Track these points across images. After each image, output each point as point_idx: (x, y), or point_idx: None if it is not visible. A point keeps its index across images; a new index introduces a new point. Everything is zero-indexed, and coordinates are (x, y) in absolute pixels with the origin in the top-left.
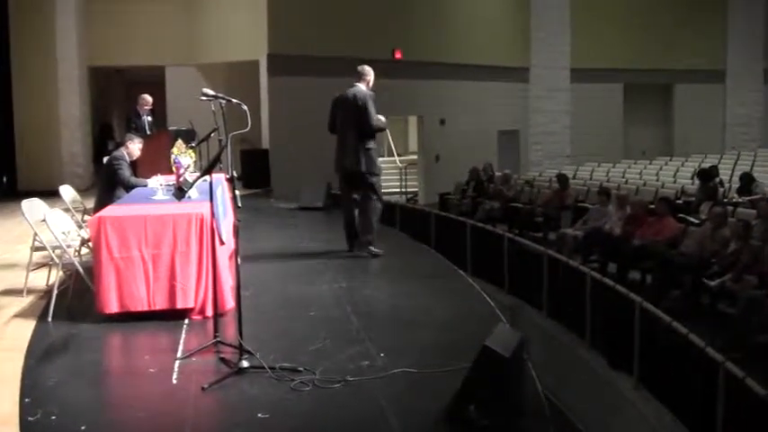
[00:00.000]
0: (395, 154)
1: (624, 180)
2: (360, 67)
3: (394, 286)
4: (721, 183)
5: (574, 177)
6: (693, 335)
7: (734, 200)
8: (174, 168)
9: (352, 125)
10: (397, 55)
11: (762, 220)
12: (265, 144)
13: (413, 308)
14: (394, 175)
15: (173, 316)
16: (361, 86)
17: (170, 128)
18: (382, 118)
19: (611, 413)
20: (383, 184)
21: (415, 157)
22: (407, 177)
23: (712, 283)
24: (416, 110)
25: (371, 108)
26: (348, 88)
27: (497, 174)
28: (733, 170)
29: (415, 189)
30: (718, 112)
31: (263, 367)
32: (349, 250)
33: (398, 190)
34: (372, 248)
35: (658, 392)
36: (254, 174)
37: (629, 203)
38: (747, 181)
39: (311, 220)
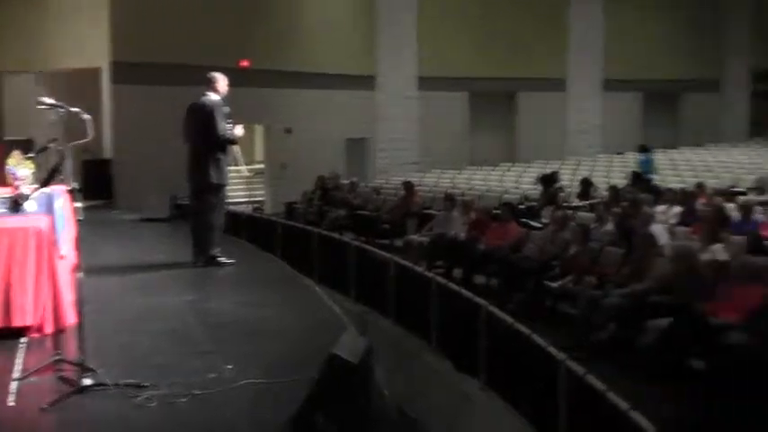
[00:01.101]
0: (241, 163)
1: (469, 186)
2: (209, 74)
3: (240, 297)
4: (561, 188)
5: (420, 184)
6: (536, 335)
7: (574, 204)
8: (10, 180)
9: (201, 135)
10: (244, 63)
11: (600, 223)
12: (107, 154)
13: (260, 318)
14: (240, 184)
15: (9, 334)
16: (212, 95)
17: (5, 138)
18: (238, 131)
19: (459, 415)
20: (229, 193)
21: (261, 165)
22: (254, 187)
23: (554, 285)
24: (262, 118)
25: (218, 117)
26: (201, 96)
27: (344, 182)
28: (573, 176)
29: (262, 198)
30: (560, 120)
31: (106, 384)
32: (195, 262)
33: (245, 200)
34: (221, 259)
35: (504, 393)
36: (95, 185)
37: (474, 209)
38: (586, 186)
39: (155, 232)
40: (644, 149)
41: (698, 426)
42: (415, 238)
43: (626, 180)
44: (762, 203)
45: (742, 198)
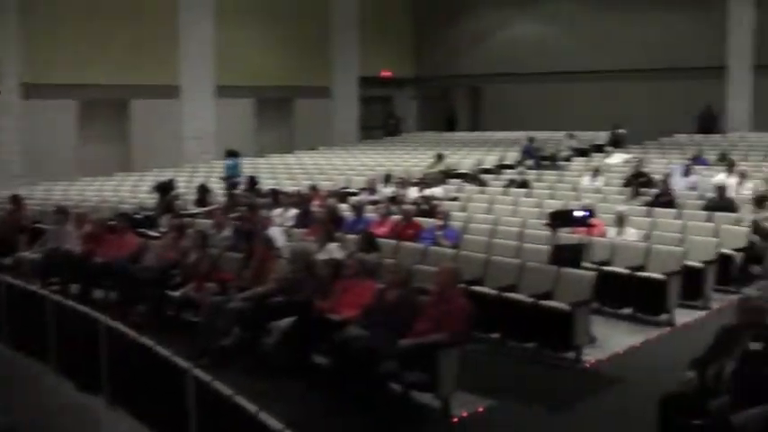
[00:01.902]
0: None
1: (83, 198)
2: None
3: None
4: (178, 195)
5: (29, 197)
6: (159, 347)
7: (192, 211)
8: None
9: None
10: None
11: (218, 228)
12: None
13: None
14: None
15: None
16: None
17: None
18: None
19: None
20: None
21: None
22: None
23: (176, 294)
24: None
25: None
26: None
27: None
28: (190, 182)
29: None
30: (175, 127)
31: None
32: None
33: None
34: None
35: (132, 408)
36: None
37: (89, 221)
38: (203, 192)
39: None
40: (231, 154)
41: (324, 418)
42: (26, 254)
43: (242, 186)
44: (372, 203)
45: (354, 198)
